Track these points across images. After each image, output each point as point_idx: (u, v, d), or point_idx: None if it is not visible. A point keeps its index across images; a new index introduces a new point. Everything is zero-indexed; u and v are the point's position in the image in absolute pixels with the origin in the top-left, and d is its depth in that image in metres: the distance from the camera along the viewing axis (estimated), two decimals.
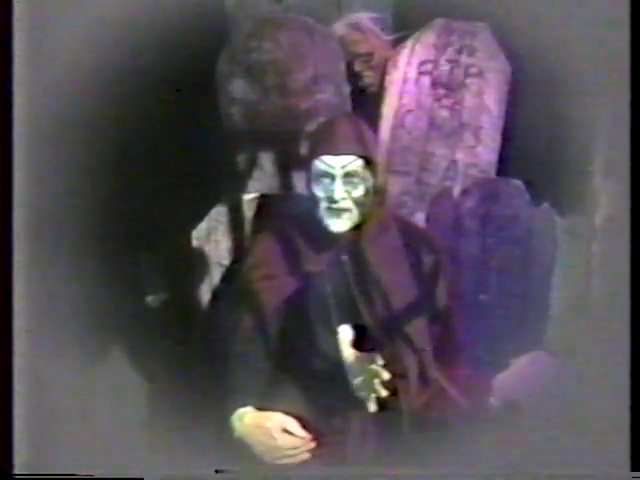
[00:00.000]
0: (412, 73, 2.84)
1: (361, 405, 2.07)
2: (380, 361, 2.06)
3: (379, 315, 2.18)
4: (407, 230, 2.32)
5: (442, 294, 2.26)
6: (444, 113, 2.80)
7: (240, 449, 2.06)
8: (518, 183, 2.61)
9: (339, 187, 2.18)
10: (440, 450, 2.02)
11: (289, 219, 2.34)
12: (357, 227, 2.23)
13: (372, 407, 2.06)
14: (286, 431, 2.06)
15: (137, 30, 2.55)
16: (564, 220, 2.56)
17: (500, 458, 2.04)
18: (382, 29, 2.97)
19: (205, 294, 2.54)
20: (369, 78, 2.94)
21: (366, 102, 2.85)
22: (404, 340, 2.16)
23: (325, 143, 2.22)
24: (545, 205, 2.59)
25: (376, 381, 2.04)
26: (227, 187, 2.72)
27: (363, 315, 2.17)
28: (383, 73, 2.90)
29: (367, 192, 2.21)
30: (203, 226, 2.58)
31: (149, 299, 2.66)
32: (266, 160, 2.80)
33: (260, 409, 2.10)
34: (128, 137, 2.62)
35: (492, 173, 2.77)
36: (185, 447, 2.13)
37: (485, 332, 2.48)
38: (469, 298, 2.56)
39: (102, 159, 2.54)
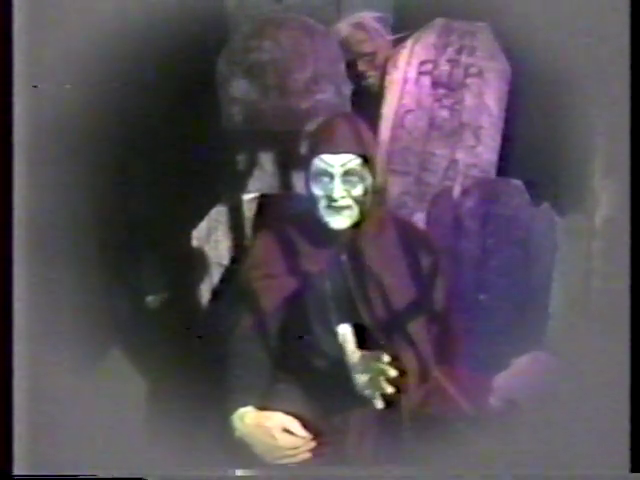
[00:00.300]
0: (412, 73, 2.84)
1: (362, 404, 2.07)
2: (386, 358, 2.06)
3: (378, 314, 2.18)
4: (405, 230, 2.32)
5: (440, 294, 2.26)
6: (444, 113, 2.80)
7: (241, 449, 2.06)
8: (518, 183, 2.61)
9: (338, 185, 2.18)
10: (440, 450, 2.02)
11: (289, 219, 2.34)
12: (356, 225, 2.22)
13: (379, 404, 2.06)
14: (287, 431, 2.06)
15: (137, 30, 2.55)
16: (564, 220, 2.56)
17: (500, 458, 2.04)
18: (385, 28, 2.98)
19: (205, 294, 2.54)
20: (373, 78, 2.94)
21: (366, 102, 2.85)
22: (403, 339, 2.17)
23: (324, 142, 2.21)
24: (545, 205, 2.59)
25: (382, 379, 2.04)
26: (227, 187, 2.72)
27: (362, 314, 2.18)
28: (383, 73, 2.90)
29: (366, 191, 2.21)
30: (203, 226, 2.57)
31: (149, 299, 2.66)
32: (266, 160, 2.80)
33: (260, 409, 2.09)
34: (128, 137, 2.63)
35: (492, 173, 2.77)
36: (185, 447, 2.13)
37: (485, 332, 2.48)
38: (469, 298, 2.56)
39: (102, 159, 2.54)
